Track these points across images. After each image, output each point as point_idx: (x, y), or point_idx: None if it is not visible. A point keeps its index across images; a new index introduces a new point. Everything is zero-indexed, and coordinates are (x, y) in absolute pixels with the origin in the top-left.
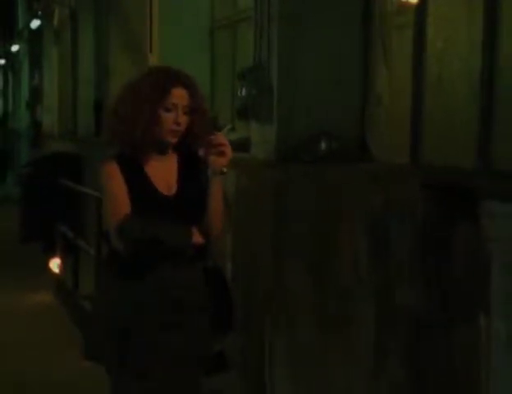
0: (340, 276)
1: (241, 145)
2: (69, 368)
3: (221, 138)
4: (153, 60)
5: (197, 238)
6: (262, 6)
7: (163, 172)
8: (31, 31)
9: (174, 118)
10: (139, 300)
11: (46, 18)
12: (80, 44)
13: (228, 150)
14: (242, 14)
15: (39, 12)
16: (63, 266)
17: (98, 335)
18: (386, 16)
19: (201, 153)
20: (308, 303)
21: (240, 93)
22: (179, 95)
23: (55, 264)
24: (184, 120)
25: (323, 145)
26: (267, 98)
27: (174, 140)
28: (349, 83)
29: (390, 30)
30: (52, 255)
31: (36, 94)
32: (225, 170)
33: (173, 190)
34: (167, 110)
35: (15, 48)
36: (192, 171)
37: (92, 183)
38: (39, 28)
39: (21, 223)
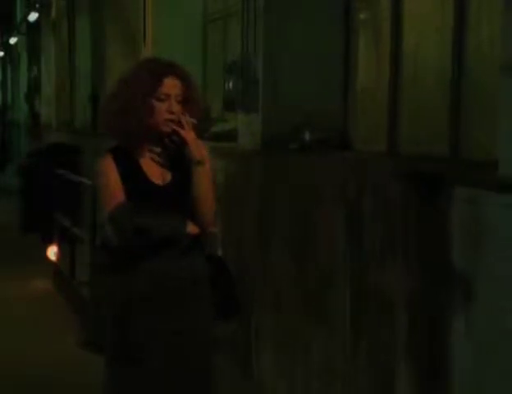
0: (319, 257)
1: (229, 136)
2: (66, 349)
3: (183, 120)
4: (147, 52)
5: (192, 228)
6: (248, 2)
7: (157, 163)
8: (29, 24)
9: (167, 107)
10: (135, 289)
11: (44, 11)
12: (77, 37)
13: (188, 136)
14: (233, 8)
15: (37, 5)
16: (60, 254)
17: (95, 323)
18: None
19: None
20: (291, 283)
21: (228, 85)
22: (171, 84)
23: (52, 252)
24: (177, 109)
25: (307, 135)
26: (253, 91)
27: (169, 129)
28: (332, 76)
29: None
30: (50, 243)
31: (34, 86)
32: (198, 159)
33: (167, 180)
34: (160, 100)
35: (13, 40)
36: (184, 160)
37: (88, 173)
38: (37, 21)
39: (20, 213)
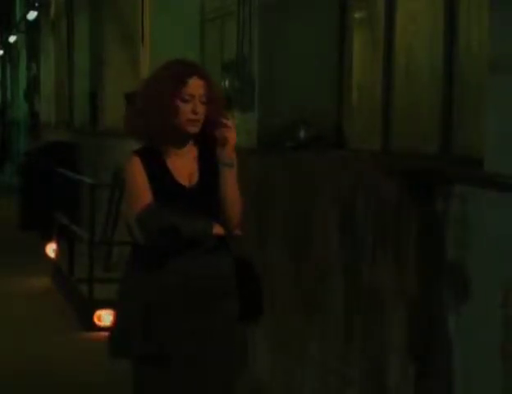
0: (314, 252)
1: None
2: (65, 346)
3: (228, 122)
4: (145, 51)
5: (217, 229)
6: (244, 1)
7: (184, 164)
8: (28, 22)
9: (192, 108)
10: (162, 290)
11: (43, 9)
12: (75, 36)
13: (231, 137)
14: (230, 7)
15: (36, 4)
16: (59, 251)
17: (123, 325)
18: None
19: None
20: (289, 282)
21: (224, 84)
22: (195, 85)
23: (51, 249)
24: (201, 109)
25: (302, 133)
26: (249, 89)
27: (193, 130)
28: (327, 75)
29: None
30: (49, 241)
31: (34, 85)
32: (229, 161)
33: (194, 181)
34: (185, 101)
35: (12, 38)
36: (211, 161)
37: (87, 171)
38: (36, 19)
39: (20, 211)
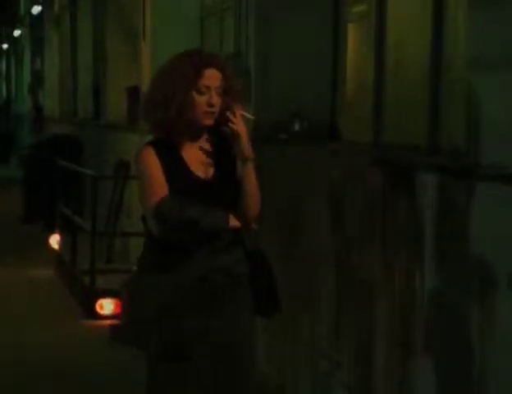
0: (305, 240)
1: None
2: (67, 337)
3: (237, 112)
4: (146, 45)
5: (234, 222)
6: None
7: (199, 156)
8: (32, 16)
9: (207, 100)
10: (178, 285)
11: (47, 4)
12: (79, 30)
13: (241, 129)
14: (228, 2)
15: None
16: (62, 242)
17: (137, 319)
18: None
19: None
20: (279, 263)
21: None
22: (212, 76)
23: (55, 241)
24: (217, 101)
25: (296, 126)
26: (245, 83)
27: (209, 122)
28: (321, 68)
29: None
30: (52, 233)
31: (38, 78)
32: (245, 155)
33: (210, 173)
34: (200, 92)
35: (17, 33)
36: (227, 153)
37: (90, 163)
38: (40, 13)
39: (24, 203)
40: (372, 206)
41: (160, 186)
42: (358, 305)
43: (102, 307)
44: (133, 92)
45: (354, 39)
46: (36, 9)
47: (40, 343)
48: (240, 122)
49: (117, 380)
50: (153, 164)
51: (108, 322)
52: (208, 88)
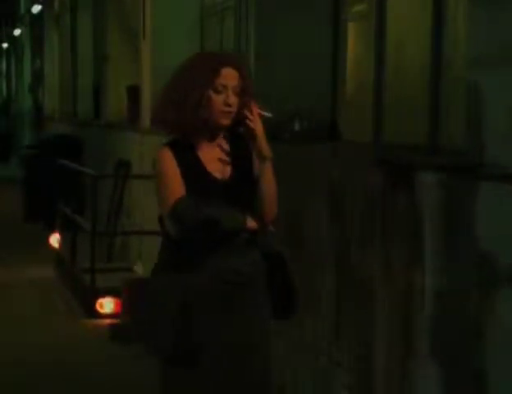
0: (305, 239)
1: None
2: (67, 335)
3: (255, 111)
4: (146, 45)
5: (251, 223)
6: None
7: (216, 157)
8: (32, 16)
9: (224, 99)
10: (195, 286)
11: (47, 3)
12: (79, 29)
13: (258, 129)
14: (229, 2)
15: None
16: (62, 241)
17: (152, 320)
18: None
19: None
20: None
21: None
22: (229, 75)
23: (55, 240)
24: (234, 100)
25: (297, 126)
26: None
27: (226, 122)
28: (322, 68)
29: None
30: (53, 232)
31: (38, 78)
32: (263, 154)
33: (227, 174)
34: (217, 91)
35: (17, 32)
36: (244, 154)
37: (90, 163)
38: (40, 13)
39: (24, 203)
40: (373, 206)
41: (177, 187)
42: (359, 305)
43: (102, 306)
44: (133, 91)
45: (354, 39)
46: (36, 8)
47: (40, 342)
48: (257, 121)
49: (117, 379)
50: (170, 165)
51: (108, 321)
52: (225, 87)
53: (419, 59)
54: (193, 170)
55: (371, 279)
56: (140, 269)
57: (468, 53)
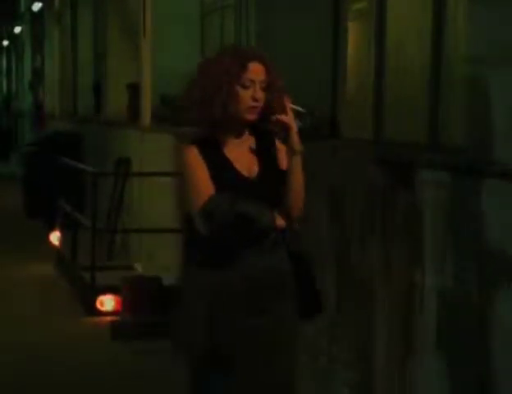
0: (306, 239)
1: None
2: (66, 331)
3: (287, 105)
4: (146, 43)
5: (279, 221)
6: None
7: (243, 154)
8: (33, 13)
9: (251, 94)
10: (224, 287)
11: (47, 1)
12: (79, 27)
13: (291, 122)
14: (229, 0)
15: None
16: (63, 239)
17: (184, 323)
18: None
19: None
20: None
21: None
22: (256, 70)
23: (55, 237)
24: (261, 96)
25: (298, 123)
26: None
27: (253, 117)
28: (322, 66)
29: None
30: (53, 229)
31: (38, 75)
32: (295, 148)
33: (254, 171)
34: (245, 86)
35: (17, 29)
36: (271, 151)
37: (90, 160)
38: (41, 10)
39: (24, 200)
40: (373, 204)
41: (206, 186)
42: (358, 305)
43: (102, 303)
44: (133, 89)
45: (354, 38)
46: (37, 6)
47: (40, 340)
48: (290, 115)
49: (117, 378)
50: (197, 164)
51: (109, 318)
52: (253, 82)
53: (419, 59)
54: (220, 168)
55: (371, 279)
56: (140, 267)
57: (468, 53)
